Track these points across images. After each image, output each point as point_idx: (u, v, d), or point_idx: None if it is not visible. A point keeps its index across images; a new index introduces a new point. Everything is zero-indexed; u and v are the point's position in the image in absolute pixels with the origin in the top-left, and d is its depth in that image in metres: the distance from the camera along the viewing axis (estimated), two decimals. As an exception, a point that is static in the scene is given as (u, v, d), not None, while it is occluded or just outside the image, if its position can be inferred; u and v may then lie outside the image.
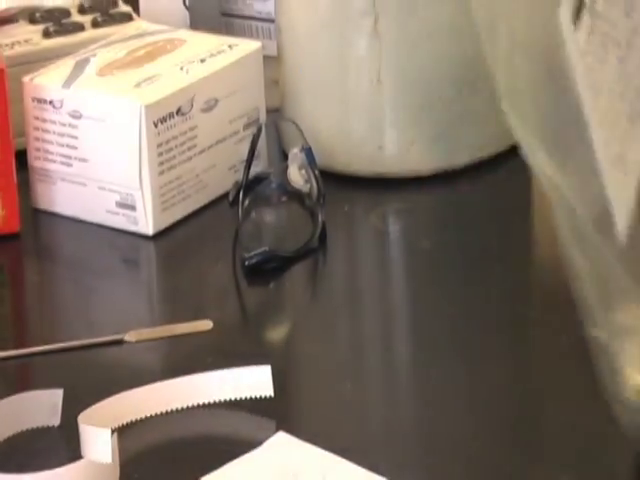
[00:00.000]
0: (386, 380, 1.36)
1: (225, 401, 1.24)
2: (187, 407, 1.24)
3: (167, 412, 1.23)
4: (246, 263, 1.41)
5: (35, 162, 1.53)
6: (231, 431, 1.22)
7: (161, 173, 1.48)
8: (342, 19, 1.56)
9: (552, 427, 1.25)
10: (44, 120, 1.51)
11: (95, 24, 1.64)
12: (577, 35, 1.24)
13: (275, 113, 1.61)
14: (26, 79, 1.51)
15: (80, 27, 1.63)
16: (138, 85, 1.49)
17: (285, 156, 1.52)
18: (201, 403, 1.24)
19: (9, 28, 1.62)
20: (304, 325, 1.43)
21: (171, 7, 1.78)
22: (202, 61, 1.54)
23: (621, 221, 1.23)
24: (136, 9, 1.75)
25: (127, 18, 1.66)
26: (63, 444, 1.18)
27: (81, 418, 1.16)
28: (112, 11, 1.68)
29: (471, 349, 1.36)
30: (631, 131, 1.19)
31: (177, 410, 1.23)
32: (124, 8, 1.70)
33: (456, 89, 1.59)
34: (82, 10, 1.67)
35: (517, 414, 1.28)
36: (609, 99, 1.18)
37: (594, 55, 1.25)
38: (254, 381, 1.25)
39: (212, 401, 1.24)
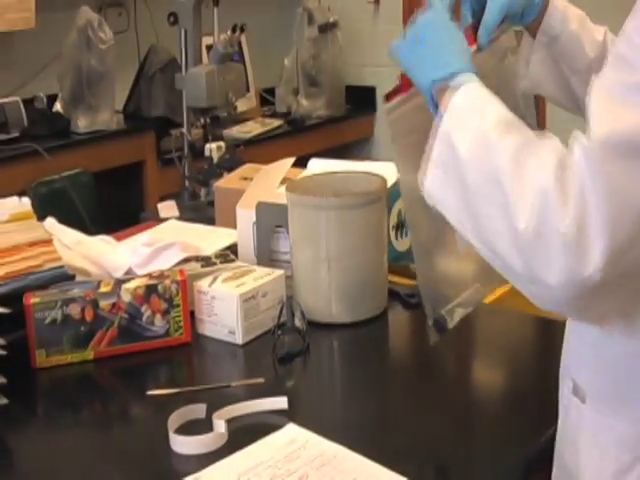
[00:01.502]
0: (347, 402, 1.41)
1: (267, 410, 1.29)
2: (252, 412, 1.28)
3: (243, 415, 1.27)
4: (278, 356, 1.46)
5: (197, 314, 1.55)
6: (267, 421, 1.26)
7: (245, 320, 1.51)
8: (315, 262, 1.56)
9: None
10: (200, 299, 1.54)
11: (221, 262, 1.64)
12: None
13: (290, 297, 1.58)
14: (195, 283, 1.55)
15: (214, 264, 1.64)
16: (236, 286, 1.52)
17: (293, 313, 1.52)
18: (257, 411, 1.28)
19: (187, 264, 1.62)
20: (302, 382, 1.48)
21: (248, 255, 1.74)
22: (261, 278, 1.55)
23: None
24: (236, 255, 1.73)
25: (232, 260, 1.66)
26: (206, 426, 1.23)
27: (214, 415, 1.24)
28: (228, 258, 1.67)
29: (381, 397, 1.39)
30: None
31: (247, 414, 1.28)
32: (232, 257, 1.68)
33: (361, 290, 1.58)
34: (216, 257, 1.67)
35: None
36: None
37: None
38: (279, 402, 1.29)
39: (262, 410, 1.29)
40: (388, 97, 1.23)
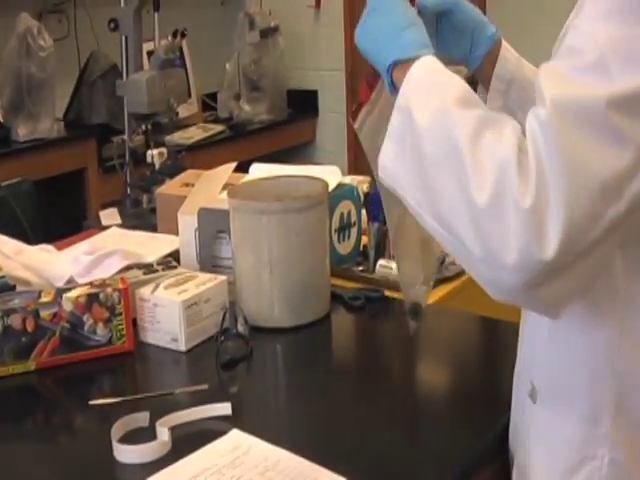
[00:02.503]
0: (291, 406, 1.40)
1: (211, 417, 1.28)
2: (196, 419, 1.27)
3: (187, 422, 1.26)
4: (221, 362, 1.45)
5: (139, 322, 1.53)
6: (211, 428, 1.25)
7: (188, 327, 1.49)
8: (257, 267, 1.55)
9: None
10: (142, 306, 1.53)
11: (163, 269, 1.63)
12: None
13: (233, 303, 1.57)
14: (137, 291, 1.53)
15: (156, 271, 1.63)
16: (179, 293, 1.51)
17: (235, 319, 1.52)
18: (201, 417, 1.27)
19: (128, 272, 1.61)
20: (246, 387, 1.45)
21: (191, 261, 1.73)
22: (204, 284, 1.54)
23: None
24: (178, 262, 1.71)
25: (175, 267, 1.65)
26: (150, 434, 1.22)
27: (158, 423, 1.23)
28: (170, 265, 1.66)
29: (325, 400, 1.39)
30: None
31: (191, 421, 1.27)
32: (174, 264, 1.66)
33: (304, 294, 1.57)
34: (158, 264, 1.65)
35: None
36: None
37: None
38: (223, 408, 1.28)
39: (206, 417, 1.28)
40: (353, 116, 1.21)
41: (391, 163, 1.04)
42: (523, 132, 0.93)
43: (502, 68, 1.26)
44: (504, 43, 1.28)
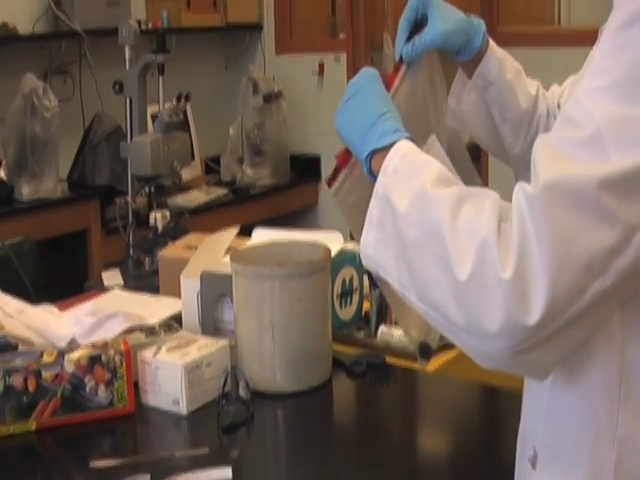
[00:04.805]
0: (291, 471, 1.41)
1: None
2: None
3: None
4: (222, 426, 1.45)
5: (141, 384, 1.54)
6: None
7: (189, 390, 1.50)
8: (259, 331, 1.55)
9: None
10: (144, 369, 1.53)
11: (165, 332, 1.63)
12: None
13: (234, 366, 1.56)
14: (139, 353, 1.54)
15: (158, 333, 1.63)
16: (181, 356, 1.51)
17: (237, 383, 1.49)
18: None
19: (131, 334, 1.60)
20: (246, 452, 1.46)
21: (193, 324, 1.73)
22: (206, 346, 1.55)
23: None
24: (181, 325, 1.71)
25: (177, 330, 1.66)
26: None
27: None
28: (172, 327, 1.66)
29: (326, 465, 1.40)
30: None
31: None
32: (176, 326, 1.67)
33: (306, 359, 1.57)
34: (160, 326, 1.65)
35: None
36: None
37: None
38: (223, 472, 1.28)
39: None
40: (330, 181, 1.24)
41: (373, 250, 1.07)
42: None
43: (485, 69, 1.32)
44: (491, 43, 1.32)
